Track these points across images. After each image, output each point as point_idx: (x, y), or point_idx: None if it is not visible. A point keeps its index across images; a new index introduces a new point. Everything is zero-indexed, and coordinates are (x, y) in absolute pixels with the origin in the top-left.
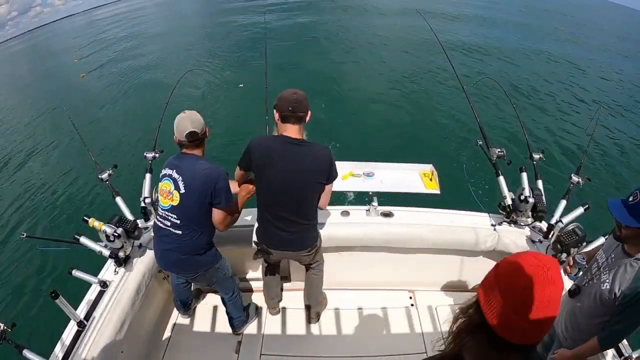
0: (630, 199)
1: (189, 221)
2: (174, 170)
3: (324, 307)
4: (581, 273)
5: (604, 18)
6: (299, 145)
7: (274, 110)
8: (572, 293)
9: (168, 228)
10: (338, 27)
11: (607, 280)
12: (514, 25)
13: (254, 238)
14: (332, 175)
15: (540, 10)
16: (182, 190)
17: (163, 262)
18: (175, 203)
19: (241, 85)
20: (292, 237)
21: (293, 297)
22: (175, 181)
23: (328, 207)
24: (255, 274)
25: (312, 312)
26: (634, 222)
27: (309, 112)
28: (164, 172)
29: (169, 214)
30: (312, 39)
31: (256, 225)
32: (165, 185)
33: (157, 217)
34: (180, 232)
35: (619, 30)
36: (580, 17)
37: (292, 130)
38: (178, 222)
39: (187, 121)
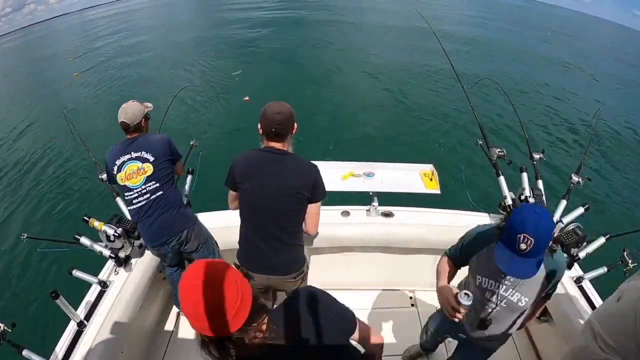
0: (523, 246)
1: (166, 178)
2: (131, 152)
3: None
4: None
5: (591, 31)
6: (281, 154)
7: (259, 125)
8: (482, 326)
9: (149, 199)
10: (338, 31)
11: (518, 295)
12: (512, 30)
13: (236, 261)
14: (317, 193)
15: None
16: (151, 158)
17: (153, 234)
18: (149, 173)
19: (246, 99)
20: (276, 258)
21: None
22: (138, 158)
23: (328, 207)
24: None
25: None
26: (534, 271)
27: (295, 125)
28: (120, 160)
29: (146, 185)
30: (313, 44)
31: (238, 248)
32: (131, 167)
33: (134, 201)
34: (161, 192)
35: (610, 43)
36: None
37: (276, 145)
38: (157, 185)
39: (122, 112)
